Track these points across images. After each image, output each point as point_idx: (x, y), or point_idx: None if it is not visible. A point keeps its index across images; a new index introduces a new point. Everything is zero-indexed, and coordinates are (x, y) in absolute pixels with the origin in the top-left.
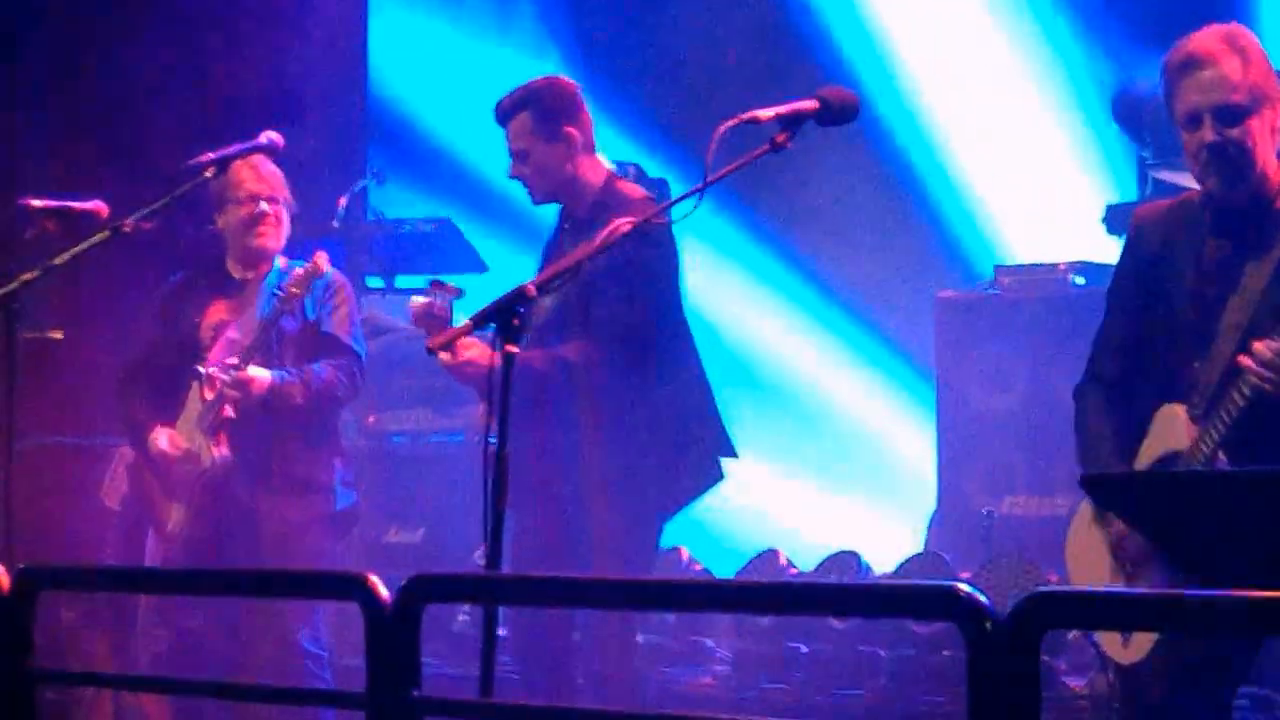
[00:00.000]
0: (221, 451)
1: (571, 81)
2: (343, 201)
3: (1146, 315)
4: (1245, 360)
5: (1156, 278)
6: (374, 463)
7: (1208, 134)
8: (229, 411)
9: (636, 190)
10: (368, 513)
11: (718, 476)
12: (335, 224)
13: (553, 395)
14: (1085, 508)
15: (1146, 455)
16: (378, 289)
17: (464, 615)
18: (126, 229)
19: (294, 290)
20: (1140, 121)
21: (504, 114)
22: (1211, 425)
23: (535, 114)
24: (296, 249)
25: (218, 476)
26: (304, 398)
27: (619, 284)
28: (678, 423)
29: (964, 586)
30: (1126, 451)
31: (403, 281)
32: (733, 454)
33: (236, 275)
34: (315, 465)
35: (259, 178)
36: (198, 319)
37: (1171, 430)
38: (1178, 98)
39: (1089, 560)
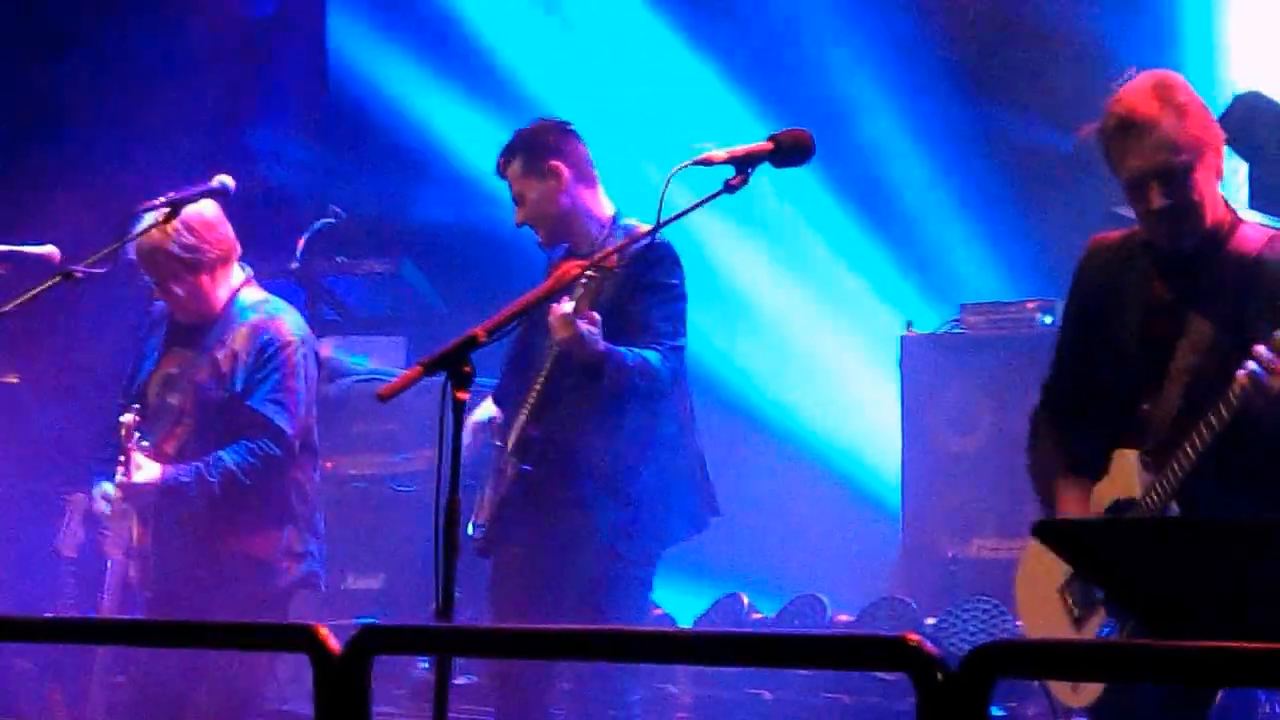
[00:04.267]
0: (139, 543)
1: (559, 120)
2: (301, 242)
3: (1094, 346)
4: (1241, 374)
5: (1103, 311)
6: (332, 508)
7: (1155, 200)
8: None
9: (643, 227)
10: (327, 559)
11: (700, 525)
12: (294, 265)
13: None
14: (1035, 548)
15: (1099, 500)
16: (336, 331)
17: (424, 663)
18: (78, 275)
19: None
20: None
21: (500, 165)
22: (1164, 475)
23: (524, 156)
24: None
25: (143, 558)
26: (200, 491)
27: (666, 301)
28: (666, 472)
29: (914, 637)
30: (1076, 469)
31: (362, 322)
32: (716, 512)
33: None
34: (252, 542)
35: (142, 264)
36: (151, 371)
37: (1124, 477)
38: (1119, 161)
39: (1038, 602)
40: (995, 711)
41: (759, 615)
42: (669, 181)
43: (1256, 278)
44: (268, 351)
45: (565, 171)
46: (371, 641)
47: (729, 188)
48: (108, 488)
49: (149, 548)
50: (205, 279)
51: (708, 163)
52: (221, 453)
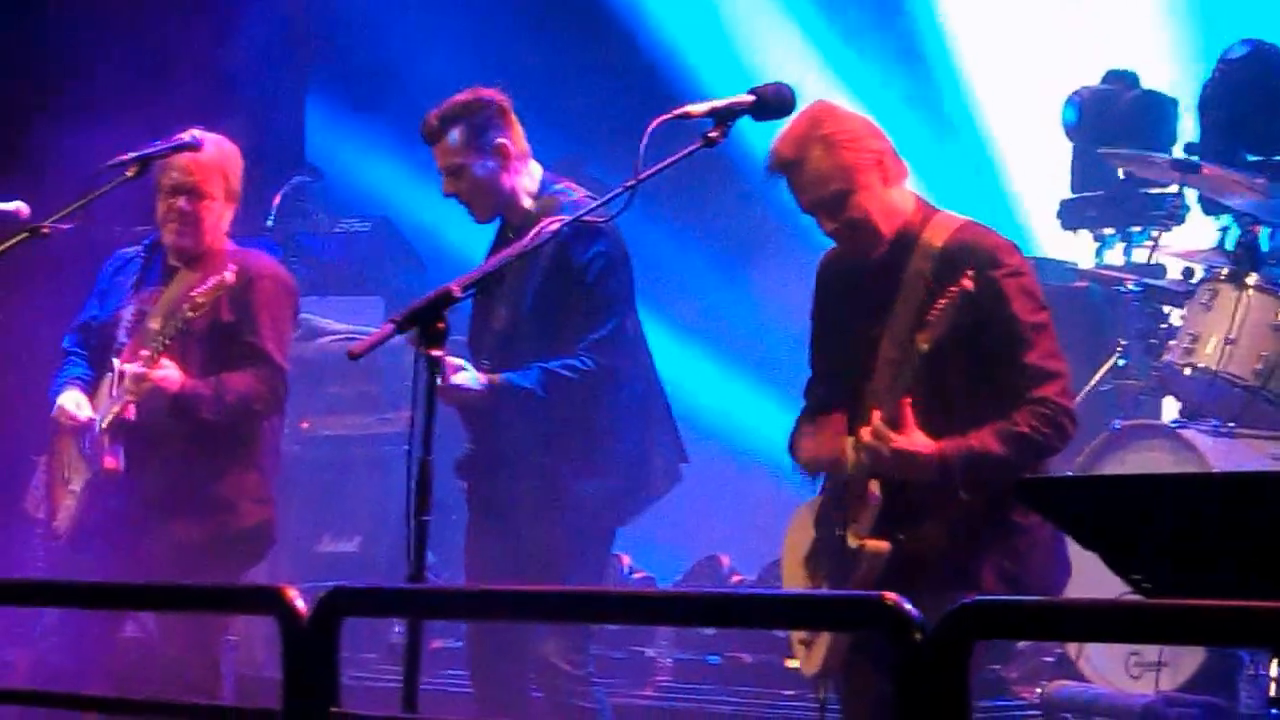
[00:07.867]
0: (111, 462)
1: (499, 94)
2: (277, 199)
3: (834, 347)
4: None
5: (838, 312)
6: (308, 469)
7: (825, 226)
8: (130, 413)
9: (576, 190)
10: (302, 521)
11: (677, 478)
12: (269, 223)
13: (540, 412)
14: (795, 518)
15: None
16: (313, 290)
17: (400, 627)
18: (45, 231)
19: (200, 301)
20: (1087, 119)
21: (433, 131)
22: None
23: (467, 130)
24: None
25: (107, 485)
26: (213, 409)
27: (587, 297)
28: (641, 431)
29: (891, 596)
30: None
31: (340, 282)
32: (685, 459)
33: (174, 264)
34: (220, 481)
35: (184, 169)
36: (126, 302)
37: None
38: (794, 196)
39: (792, 570)
40: None
41: (740, 577)
42: (647, 135)
43: (942, 265)
44: (257, 285)
45: (510, 150)
46: (340, 604)
47: (708, 141)
48: (77, 396)
49: (109, 474)
50: (227, 214)
51: (686, 116)
52: (232, 375)
